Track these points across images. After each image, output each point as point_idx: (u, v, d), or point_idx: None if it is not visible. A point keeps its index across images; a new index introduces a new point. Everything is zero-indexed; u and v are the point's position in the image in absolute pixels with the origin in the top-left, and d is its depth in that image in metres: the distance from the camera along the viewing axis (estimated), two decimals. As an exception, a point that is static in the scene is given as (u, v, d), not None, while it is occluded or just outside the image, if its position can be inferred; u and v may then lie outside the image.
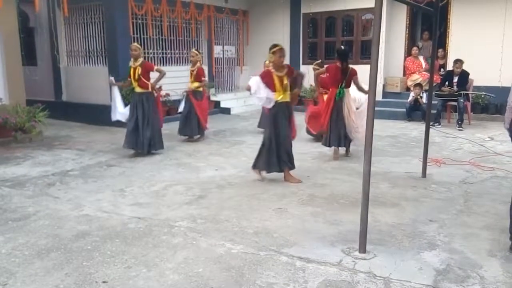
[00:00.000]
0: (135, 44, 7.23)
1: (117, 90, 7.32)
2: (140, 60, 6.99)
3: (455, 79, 9.65)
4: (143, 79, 6.93)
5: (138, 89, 7.02)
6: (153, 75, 7.16)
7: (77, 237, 3.85)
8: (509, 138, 3.73)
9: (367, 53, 11.46)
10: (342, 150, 6.95)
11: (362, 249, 3.46)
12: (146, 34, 10.44)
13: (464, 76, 9.59)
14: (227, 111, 12.00)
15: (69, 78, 10.95)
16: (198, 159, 6.79)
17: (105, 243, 3.72)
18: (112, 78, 7.31)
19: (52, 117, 9.30)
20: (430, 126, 8.63)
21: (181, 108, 8.49)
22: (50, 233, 3.96)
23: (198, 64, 8.31)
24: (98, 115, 10.05)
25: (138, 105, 6.98)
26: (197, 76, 8.20)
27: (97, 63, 10.50)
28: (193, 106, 8.15)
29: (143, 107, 6.96)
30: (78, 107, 10.56)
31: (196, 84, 8.23)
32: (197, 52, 8.42)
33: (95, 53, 10.49)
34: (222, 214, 4.40)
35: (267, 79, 5.35)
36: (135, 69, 6.93)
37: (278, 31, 13.05)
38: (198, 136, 8.38)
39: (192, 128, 8.24)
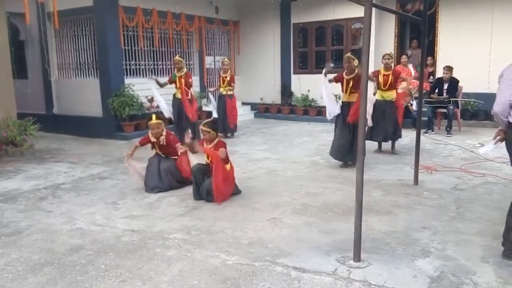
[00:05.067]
0: (178, 57, 8.52)
1: (157, 91, 8.46)
2: (184, 70, 8.37)
3: (445, 86, 9.76)
4: (185, 87, 8.28)
5: (179, 95, 8.33)
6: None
7: (70, 251, 3.82)
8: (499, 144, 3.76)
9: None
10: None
11: (357, 257, 3.47)
12: (137, 46, 10.47)
13: (453, 83, 9.70)
14: (219, 121, 12.02)
15: (60, 91, 10.91)
16: (191, 170, 6.77)
17: (99, 257, 3.70)
18: (154, 78, 8.71)
19: (43, 130, 9.27)
20: (423, 133, 8.75)
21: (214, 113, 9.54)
22: (43, 247, 3.93)
23: (230, 71, 9.97)
24: (89, 127, 10.05)
25: (180, 108, 8.27)
26: (230, 81, 9.84)
27: (88, 75, 10.48)
28: (225, 108, 9.67)
29: (183, 109, 8.28)
30: (70, 119, 10.52)
31: (229, 87, 9.85)
32: (229, 61, 10.17)
33: (86, 66, 10.48)
34: (216, 225, 4.39)
35: None
36: (180, 78, 8.27)
37: (269, 41, 13.15)
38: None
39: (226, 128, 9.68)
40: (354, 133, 6.36)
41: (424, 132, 9.27)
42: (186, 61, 11.90)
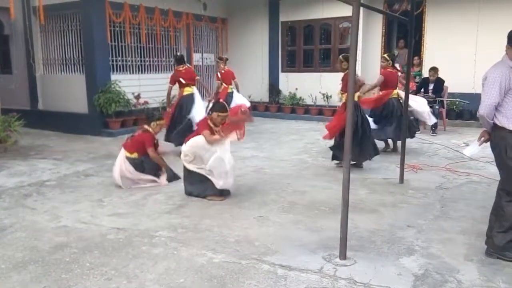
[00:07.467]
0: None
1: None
2: (185, 66, 8.04)
3: (431, 86, 9.86)
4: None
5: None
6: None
7: (55, 249, 3.78)
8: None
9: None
10: None
11: (343, 255, 3.50)
12: (124, 42, 10.37)
13: (439, 83, 9.81)
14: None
15: (45, 86, 10.76)
16: (178, 168, 6.73)
17: (84, 254, 3.67)
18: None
19: (28, 126, 9.13)
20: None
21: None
22: (27, 245, 3.88)
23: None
24: (75, 124, 9.94)
25: (184, 105, 7.81)
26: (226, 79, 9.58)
27: (74, 71, 10.35)
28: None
29: (189, 106, 7.79)
30: (55, 115, 10.39)
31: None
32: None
33: (72, 61, 10.35)
34: (203, 223, 4.38)
35: None
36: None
37: (257, 39, 13.15)
38: None
39: None
40: (361, 132, 6.29)
41: (410, 132, 9.34)
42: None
